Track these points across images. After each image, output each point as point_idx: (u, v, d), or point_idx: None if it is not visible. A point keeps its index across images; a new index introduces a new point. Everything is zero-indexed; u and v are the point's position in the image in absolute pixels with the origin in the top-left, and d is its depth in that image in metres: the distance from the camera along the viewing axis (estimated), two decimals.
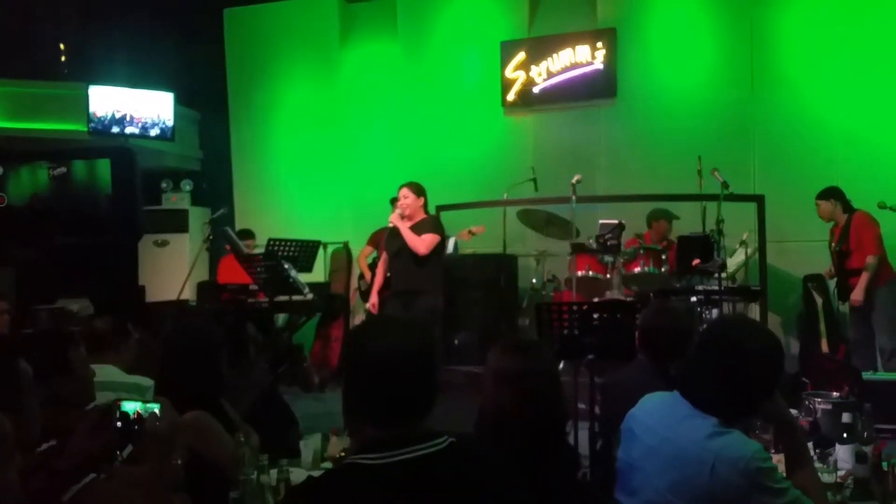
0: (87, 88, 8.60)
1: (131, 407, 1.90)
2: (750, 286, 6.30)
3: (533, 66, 8.23)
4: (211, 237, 6.97)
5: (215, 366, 2.81)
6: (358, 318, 8.20)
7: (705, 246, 5.75)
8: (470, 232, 7.63)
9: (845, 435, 2.70)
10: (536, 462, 2.18)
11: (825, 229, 6.48)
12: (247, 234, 7.68)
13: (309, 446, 3.07)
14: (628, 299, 5.90)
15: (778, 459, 2.20)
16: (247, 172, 9.44)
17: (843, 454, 2.66)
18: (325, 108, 9.09)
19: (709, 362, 2.07)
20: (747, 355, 2.03)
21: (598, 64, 8.02)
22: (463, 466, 1.64)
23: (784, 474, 2.07)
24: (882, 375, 5.40)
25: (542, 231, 7.19)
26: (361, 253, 8.01)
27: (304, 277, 5.94)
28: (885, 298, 6.03)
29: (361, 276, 8.00)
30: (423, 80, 8.66)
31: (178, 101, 9.16)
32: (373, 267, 7.17)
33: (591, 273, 6.40)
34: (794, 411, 2.93)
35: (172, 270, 8.52)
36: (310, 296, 5.93)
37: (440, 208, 6.56)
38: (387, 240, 5.78)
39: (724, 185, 5.81)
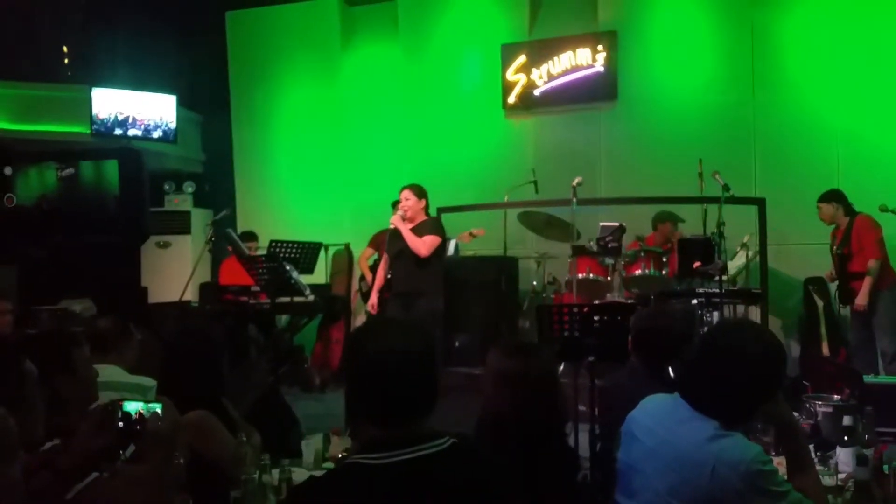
0: (90, 91, 8.62)
1: (133, 407, 1.91)
2: (751, 289, 6.29)
3: (534, 69, 8.22)
4: (213, 238, 6.97)
5: (217, 366, 2.83)
6: (359, 320, 8.20)
7: (706, 249, 5.76)
8: (471, 234, 7.63)
9: (846, 438, 2.70)
10: (536, 463, 2.18)
11: (826, 232, 6.48)
12: (249, 237, 7.69)
13: (311, 446, 3.07)
14: (629, 302, 5.90)
15: (778, 462, 2.20)
16: (249, 174, 9.45)
17: (843, 457, 2.65)
18: (327, 111, 9.09)
19: (710, 365, 2.07)
20: (749, 359, 2.03)
21: (599, 67, 8.01)
22: (464, 467, 1.64)
23: (785, 477, 2.07)
24: (883, 379, 5.37)
25: (542, 233, 7.20)
26: (362, 255, 8.02)
27: (305, 279, 5.95)
28: (886, 302, 6.03)
29: (362, 278, 8.01)
30: (424, 83, 8.67)
31: (181, 104, 9.18)
32: (374, 269, 7.17)
33: (591, 275, 6.41)
34: (794, 414, 2.93)
35: (175, 272, 8.52)
36: (311, 297, 5.93)
37: (441, 210, 6.56)
38: (388, 241, 5.78)
39: (725, 187, 5.80)
